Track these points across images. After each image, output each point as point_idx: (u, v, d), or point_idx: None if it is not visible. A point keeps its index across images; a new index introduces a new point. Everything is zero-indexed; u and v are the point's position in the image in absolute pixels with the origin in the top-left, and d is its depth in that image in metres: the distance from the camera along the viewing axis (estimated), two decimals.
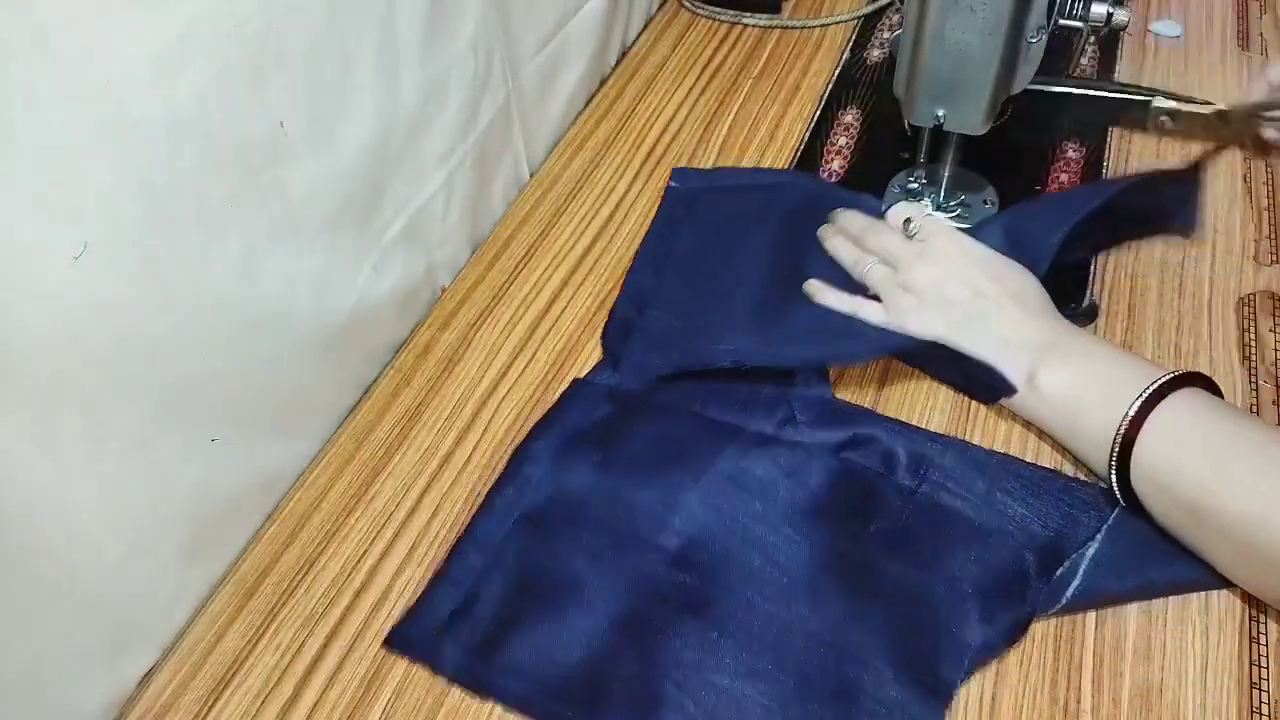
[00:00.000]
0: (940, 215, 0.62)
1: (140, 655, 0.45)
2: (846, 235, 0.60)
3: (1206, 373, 0.53)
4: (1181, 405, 0.45)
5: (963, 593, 0.45)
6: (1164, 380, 0.45)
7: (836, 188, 0.66)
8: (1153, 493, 0.45)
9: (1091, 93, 0.69)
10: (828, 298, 0.57)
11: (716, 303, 0.58)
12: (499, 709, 0.44)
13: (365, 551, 0.50)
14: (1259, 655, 0.43)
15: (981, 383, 0.52)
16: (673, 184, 0.67)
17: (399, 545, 0.50)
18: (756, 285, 0.58)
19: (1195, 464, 0.43)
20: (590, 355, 0.58)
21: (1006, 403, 0.52)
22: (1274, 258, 0.60)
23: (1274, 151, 0.66)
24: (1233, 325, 0.56)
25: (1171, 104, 0.66)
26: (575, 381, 0.56)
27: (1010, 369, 0.51)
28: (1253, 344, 0.55)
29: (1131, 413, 0.45)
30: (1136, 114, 0.68)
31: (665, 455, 0.50)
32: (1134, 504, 0.46)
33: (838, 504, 0.48)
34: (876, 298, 0.56)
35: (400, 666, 0.45)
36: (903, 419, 0.53)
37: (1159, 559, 0.45)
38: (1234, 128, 0.65)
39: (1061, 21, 0.56)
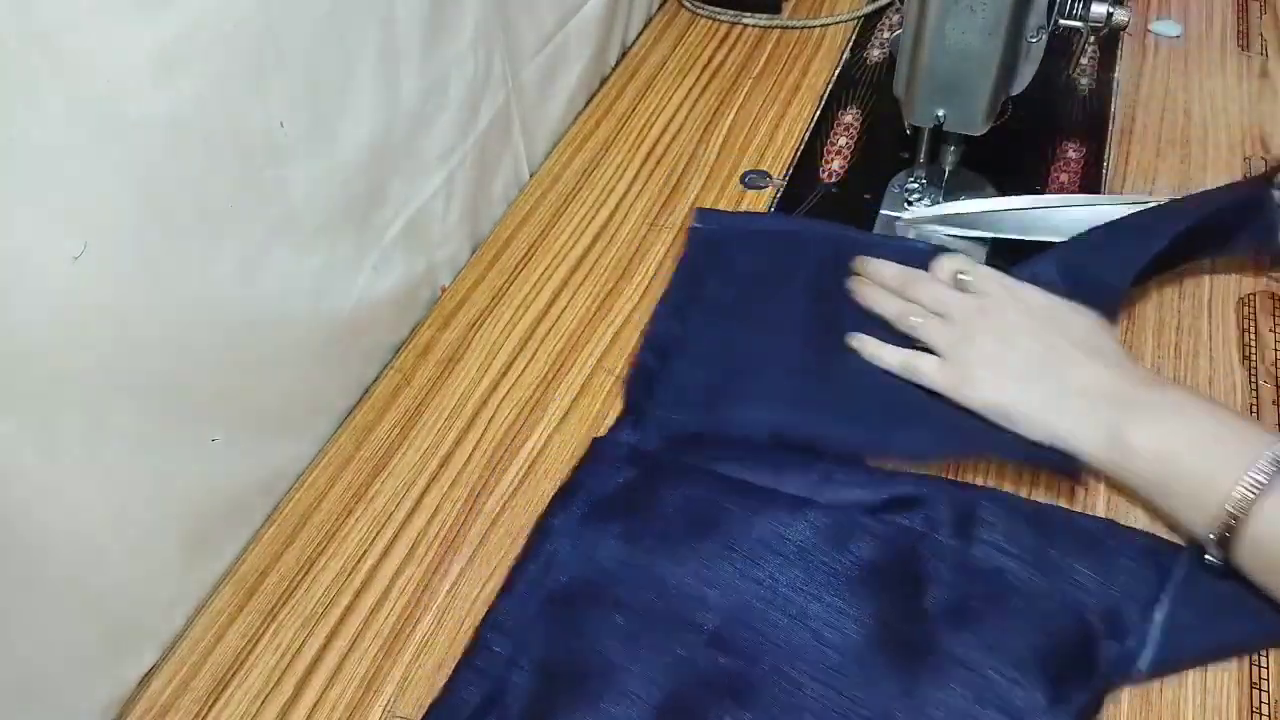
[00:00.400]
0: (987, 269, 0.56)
1: (140, 655, 0.45)
2: (883, 286, 0.57)
3: (1206, 373, 0.53)
4: None
5: (1028, 672, 0.41)
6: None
7: (877, 236, 0.62)
8: (1258, 566, 0.43)
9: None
10: (880, 352, 0.53)
11: (747, 359, 0.55)
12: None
13: (365, 551, 0.50)
14: (1259, 655, 0.43)
15: (1050, 461, 0.48)
16: (696, 225, 0.64)
17: (399, 545, 0.50)
18: (792, 342, 0.55)
19: None
20: (591, 356, 0.58)
21: (1091, 461, 0.47)
22: (1274, 257, 0.60)
23: None
24: (1233, 325, 0.56)
25: None
26: (595, 441, 0.52)
27: (1093, 430, 0.47)
28: (1253, 344, 0.55)
29: (1252, 483, 0.42)
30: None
31: (695, 524, 0.47)
32: (1230, 567, 0.44)
33: (883, 571, 0.45)
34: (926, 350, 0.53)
35: (400, 667, 0.45)
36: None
37: (1237, 614, 0.43)
38: None
39: (1061, 21, 0.56)
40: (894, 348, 0.53)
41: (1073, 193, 0.65)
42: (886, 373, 0.53)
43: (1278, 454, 0.42)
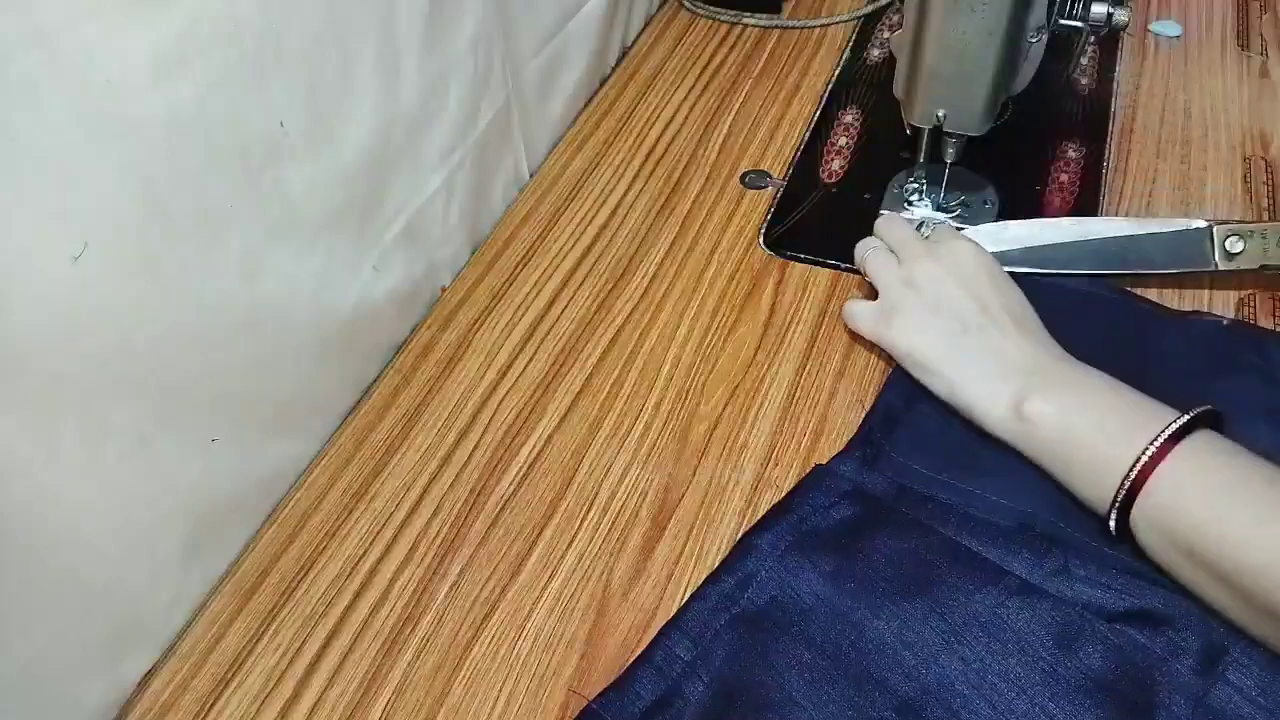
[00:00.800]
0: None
1: (140, 655, 0.45)
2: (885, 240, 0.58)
3: None
4: (1194, 451, 0.42)
5: None
6: (1181, 423, 0.42)
7: (1171, 313, 0.56)
8: (1153, 537, 0.43)
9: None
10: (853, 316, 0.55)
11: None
12: (499, 710, 0.44)
13: (365, 551, 0.50)
14: None
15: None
16: (960, 211, 0.62)
17: (399, 545, 0.50)
18: None
19: (1198, 511, 0.41)
20: (592, 356, 0.58)
21: (985, 424, 0.48)
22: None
23: None
24: None
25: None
26: (817, 468, 0.50)
27: (995, 399, 0.47)
28: None
29: (1145, 458, 0.42)
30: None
31: (909, 581, 0.44)
32: (1125, 537, 0.44)
33: (1109, 688, 0.40)
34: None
35: (400, 667, 0.45)
36: None
37: None
38: None
39: (1061, 21, 0.56)
40: (867, 317, 0.55)
41: (1072, 193, 0.65)
42: None
43: (1176, 426, 0.42)
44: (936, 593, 0.43)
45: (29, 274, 0.35)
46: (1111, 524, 0.44)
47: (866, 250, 0.56)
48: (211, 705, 0.44)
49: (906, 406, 0.52)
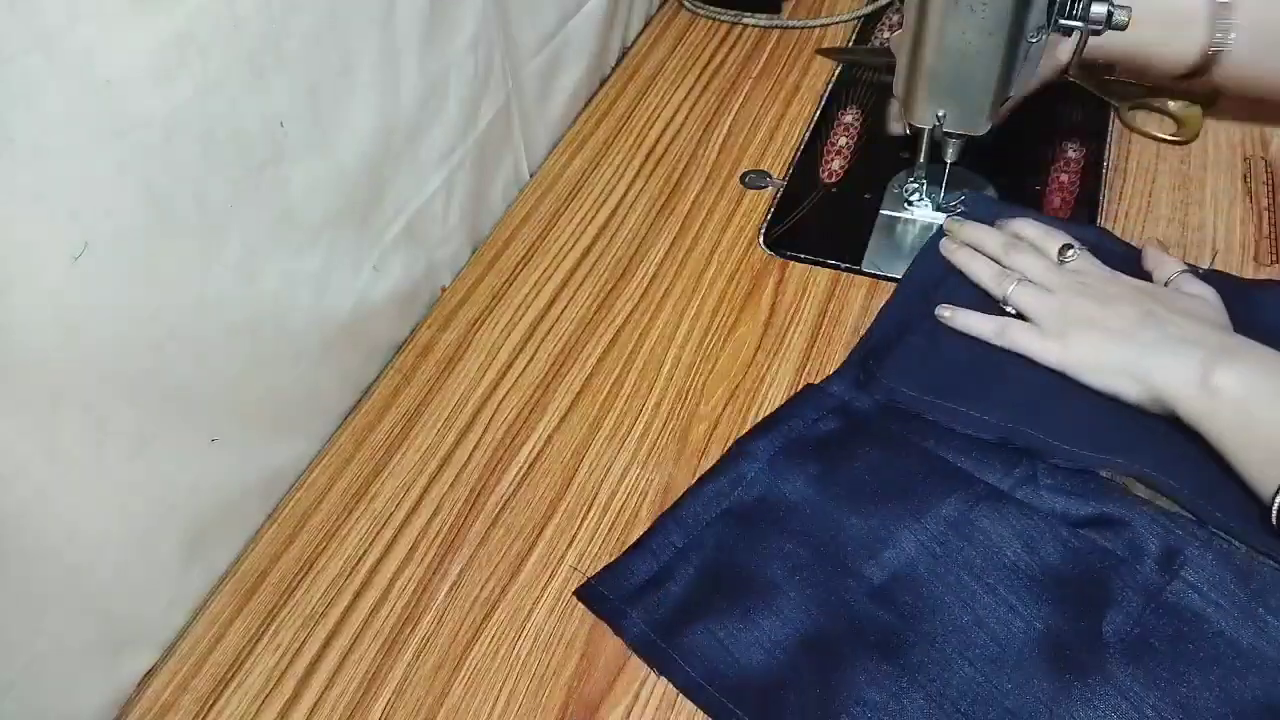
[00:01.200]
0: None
1: (140, 655, 0.45)
2: (982, 251, 0.57)
3: None
4: None
5: None
6: None
7: (1125, 245, 0.60)
8: None
9: None
10: (971, 320, 0.54)
11: (987, 354, 0.53)
12: (499, 710, 0.44)
13: (365, 551, 0.50)
14: None
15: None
16: (960, 211, 0.63)
17: (399, 545, 0.50)
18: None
19: None
20: (592, 356, 0.58)
21: (1177, 407, 0.47)
22: (1274, 258, 0.60)
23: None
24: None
25: None
26: (808, 387, 0.54)
27: (1184, 366, 0.46)
28: None
29: None
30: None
31: (887, 486, 0.48)
32: None
33: (1068, 585, 0.44)
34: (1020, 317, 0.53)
35: (400, 667, 0.45)
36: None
37: None
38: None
39: (1061, 21, 0.56)
40: (987, 316, 0.54)
41: (1072, 193, 0.65)
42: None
43: None
44: (912, 498, 0.47)
45: (29, 274, 0.35)
46: (1274, 510, 0.42)
47: (1012, 284, 0.54)
48: (211, 705, 0.44)
49: (899, 337, 0.55)
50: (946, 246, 0.59)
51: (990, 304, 0.55)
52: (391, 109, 0.53)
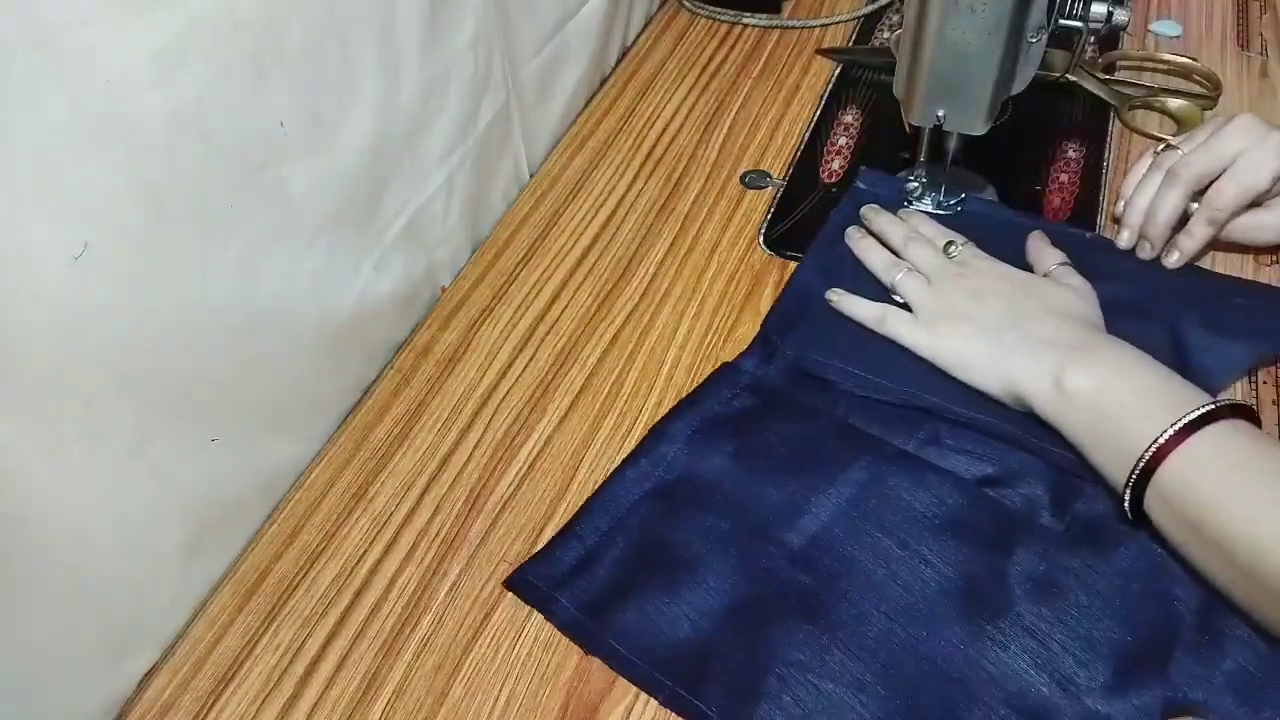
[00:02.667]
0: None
1: (140, 655, 0.45)
2: (883, 239, 0.60)
3: None
4: (1217, 436, 0.43)
5: (1098, 653, 0.42)
6: (1206, 410, 0.43)
7: (1040, 221, 0.62)
8: (1165, 515, 0.44)
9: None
10: (855, 306, 0.56)
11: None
12: (499, 710, 0.44)
13: (365, 551, 0.50)
14: None
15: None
16: (859, 185, 0.65)
17: (399, 545, 0.50)
18: None
19: (1212, 493, 0.42)
20: (592, 356, 0.58)
21: (1033, 405, 0.49)
22: (1274, 258, 0.60)
23: None
24: None
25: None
26: (723, 366, 0.56)
27: (1039, 366, 0.49)
28: None
29: (1165, 437, 0.43)
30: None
31: (800, 455, 0.50)
32: (1140, 520, 0.45)
33: (974, 533, 0.47)
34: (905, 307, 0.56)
35: (400, 667, 0.45)
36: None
37: None
38: None
39: (1061, 21, 0.56)
40: (869, 302, 0.56)
41: (1072, 193, 0.65)
42: None
43: (1197, 411, 0.43)
44: (825, 464, 0.50)
45: (29, 274, 0.35)
46: (1125, 501, 0.45)
47: (899, 272, 0.57)
48: (211, 705, 0.44)
49: (801, 310, 0.58)
50: (851, 235, 0.61)
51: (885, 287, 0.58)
52: (391, 109, 0.53)
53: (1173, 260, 0.58)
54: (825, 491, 0.49)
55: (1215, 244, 0.58)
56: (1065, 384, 0.47)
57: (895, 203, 0.63)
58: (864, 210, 0.62)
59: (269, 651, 0.46)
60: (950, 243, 0.57)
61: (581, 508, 0.50)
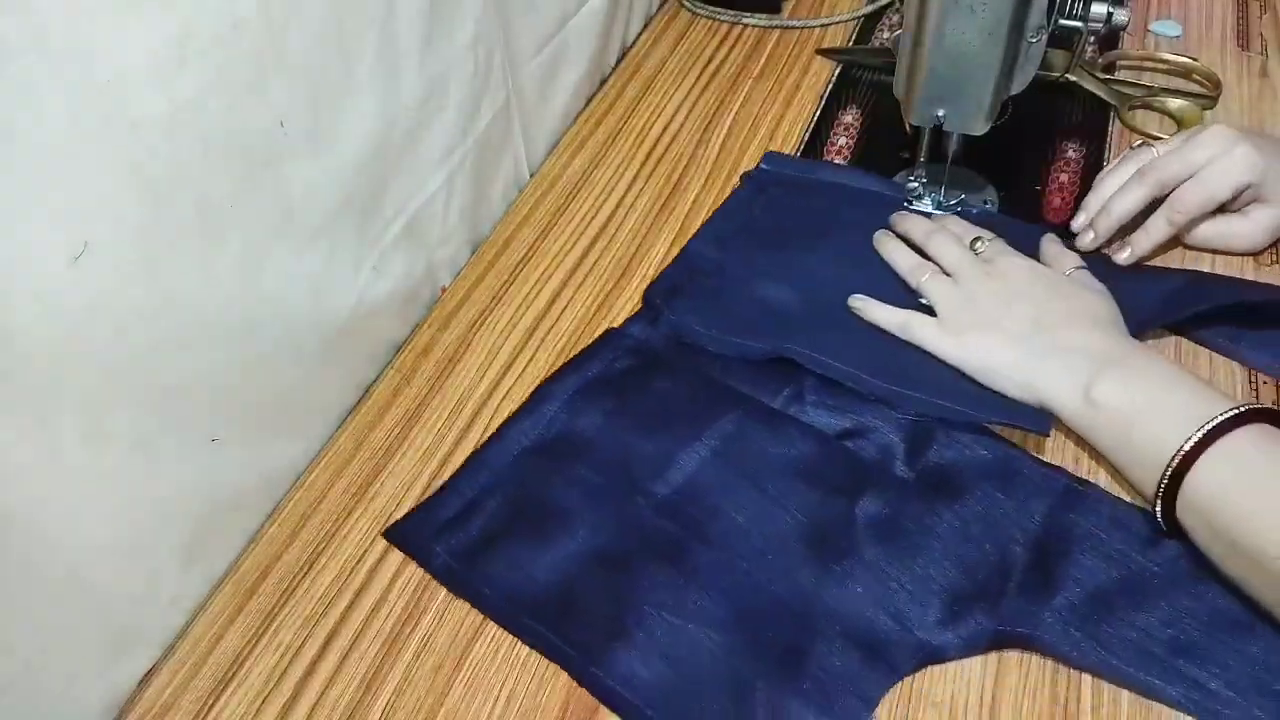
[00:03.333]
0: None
1: (140, 655, 0.45)
2: (908, 240, 0.59)
3: (1207, 372, 0.53)
4: (1244, 440, 0.43)
5: (932, 591, 0.45)
6: (1230, 415, 0.43)
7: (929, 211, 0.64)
8: (1198, 526, 0.44)
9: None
10: (880, 313, 0.56)
11: (771, 292, 0.59)
12: (500, 710, 0.44)
13: (365, 551, 0.50)
14: None
15: (1024, 419, 0.50)
16: (763, 166, 0.68)
17: None
18: (819, 287, 0.58)
19: (1243, 500, 0.42)
20: None
21: (1062, 417, 0.49)
22: (1274, 258, 0.60)
23: None
24: None
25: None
26: (609, 330, 0.58)
27: (1068, 379, 0.49)
28: None
29: (1189, 445, 0.43)
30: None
31: (673, 411, 0.53)
32: (1175, 530, 0.45)
33: (828, 478, 0.49)
34: (930, 311, 0.55)
35: (400, 667, 0.45)
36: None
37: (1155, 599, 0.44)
38: None
39: (1061, 21, 0.56)
40: (893, 309, 0.56)
41: (1072, 193, 0.65)
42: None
43: (1221, 416, 0.43)
44: (695, 419, 0.52)
45: (29, 274, 0.35)
46: (1157, 511, 0.45)
47: (925, 274, 0.56)
48: (212, 705, 0.45)
49: (689, 279, 0.60)
50: (878, 237, 0.61)
51: (795, 268, 0.60)
52: (391, 109, 0.53)
53: (1123, 257, 0.58)
54: (693, 444, 0.51)
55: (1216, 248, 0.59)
56: (1094, 396, 0.47)
57: (802, 178, 0.66)
58: (893, 217, 0.61)
59: (269, 651, 0.46)
60: (978, 238, 0.57)
61: (463, 464, 0.52)
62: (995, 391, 0.51)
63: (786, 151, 0.70)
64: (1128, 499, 0.48)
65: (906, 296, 0.57)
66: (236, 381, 0.46)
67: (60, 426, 0.38)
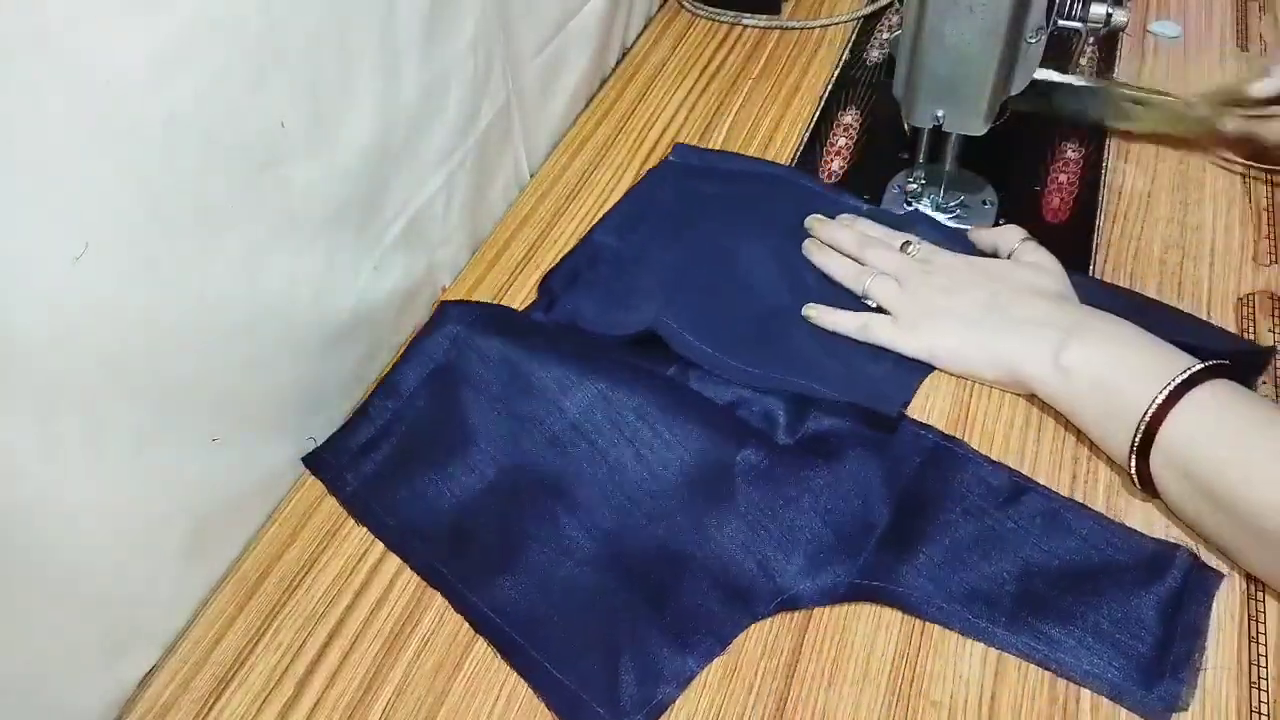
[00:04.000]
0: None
1: (140, 655, 0.46)
2: (838, 248, 0.60)
3: None
4: (1210, 393, 0.44)
5: (797, 541, 0.47)
6: (1197, 369, 0.45)
7: (836, 189, 0.66)
8: (1172, 480, 0.45)
9: (1053, 79, 0.67)
10: (835, 319, 0.56)
11: (661, 276, 0.59)
12: (500, 710, 0.44)
13: (365, 551, 0.50)
14: (1259, 655, 0.43)
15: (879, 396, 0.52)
16: (671, 159, 0.69)
17: None
18: (715, 271, 0.60)
19: (1216, 450, 0.43)
20: None
21: (1034, 386, 0.51)
22: (1273, 258, 0.60)
23: (1232, 146, 0.65)
24: (1232, 325, 0.56)
25: (1136, 92, 0.66)
26: (507, 309, 0.60)
27: (1036, 348, 0.50)
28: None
29: (1160, 398, 0.45)
30: (1097, 103, 0.67)
31: (573, 349, 0.54)
32: (1149, 490, 0.47)
33: (714, 428, 0.50)
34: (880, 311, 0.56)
35: (400, 667, 0.45)
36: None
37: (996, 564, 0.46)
38: (1197, 119, 0.65)
39: (1061, 22, 0.56)
40: (850, 313, 0.56)
41: (1071, 193, 0.65)
42: (780, 313, 0.57)
43: (1186, 372, 0.45)
44: (591, 359, 0.53)
45: (29, 274, 0.35)
46: (1131, 467, 0.46)
47: (869, 279, 0.57)
48: (212, 705, 0.45)
49: (589, 266, 0.62)
50: (808, 246, 0.61)
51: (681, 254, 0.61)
52: (392, 109, 0.53)
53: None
54: (590, 378, 0.52)
55: (1210, 242, 0.59)
56: (1064, 363, 0.49)
57: (710, 167, 0.67)
58: (808, 222, 0.62)
59: (270, 651, 0.46)
60: (906, 242, 0.58)
61: (372, 393, 0.54)
62: (864, 374, 0.53)
63: (785, 151, 0.70)
64: (994, 458, 0.50)
65: (823, 290, 0.59)
66: (236, 381, 0.46)
67: (60, 426, 0.38)
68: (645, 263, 0.61)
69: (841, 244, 0.60)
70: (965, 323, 0.53)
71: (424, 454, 0.51)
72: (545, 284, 0.61)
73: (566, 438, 0.51)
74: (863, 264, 0.58)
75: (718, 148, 0.71)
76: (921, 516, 0.48)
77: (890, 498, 0.48)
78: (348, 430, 0.53)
